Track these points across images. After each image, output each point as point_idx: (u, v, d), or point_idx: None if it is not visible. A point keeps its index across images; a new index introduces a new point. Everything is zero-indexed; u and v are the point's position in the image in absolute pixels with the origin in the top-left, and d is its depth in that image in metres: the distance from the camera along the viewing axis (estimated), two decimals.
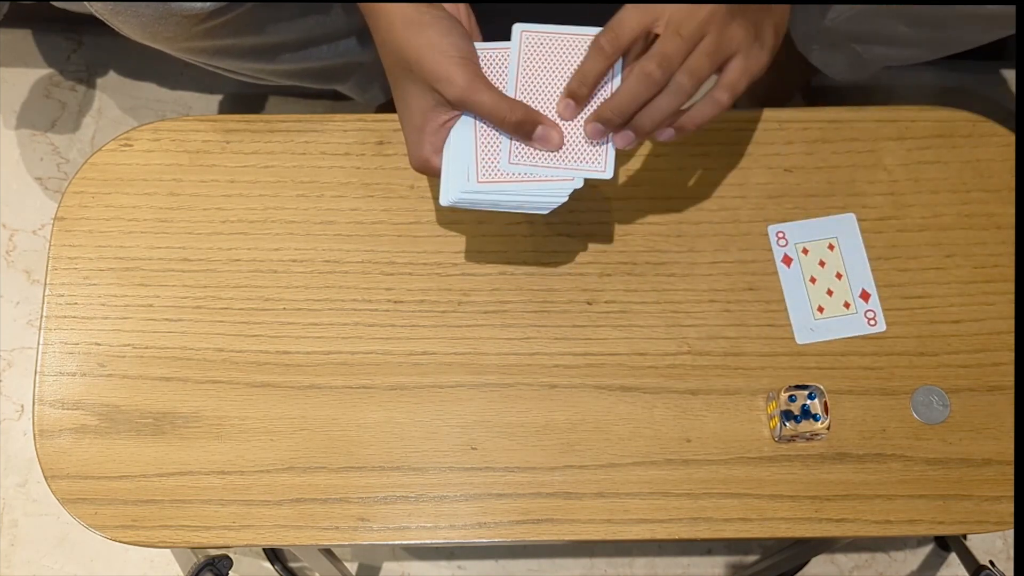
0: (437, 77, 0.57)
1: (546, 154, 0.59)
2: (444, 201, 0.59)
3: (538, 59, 0.60)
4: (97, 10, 0.71)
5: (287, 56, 0.88)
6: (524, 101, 0.59)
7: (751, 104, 1.13)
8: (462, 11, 0.61)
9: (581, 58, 0.58)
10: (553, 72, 0.60)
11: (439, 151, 0.60)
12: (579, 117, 0.60)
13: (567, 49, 0.60)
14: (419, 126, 0.59)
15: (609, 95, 0.58)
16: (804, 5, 0.94)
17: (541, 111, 0.59)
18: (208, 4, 0.70)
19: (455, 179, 0.59)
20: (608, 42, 0.56)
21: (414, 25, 0.57)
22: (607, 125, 0.58)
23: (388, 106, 1.03)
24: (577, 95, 0.59)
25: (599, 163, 0.59)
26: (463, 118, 0.59)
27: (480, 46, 0.60)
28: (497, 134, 0.59)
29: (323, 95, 1.18)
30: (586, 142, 0.60)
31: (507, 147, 0.59)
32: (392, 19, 0.57)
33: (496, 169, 0.59)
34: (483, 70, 0.59)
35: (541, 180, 0.59)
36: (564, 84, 0.59)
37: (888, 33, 0.85)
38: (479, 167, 0.59)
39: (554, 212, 0.71)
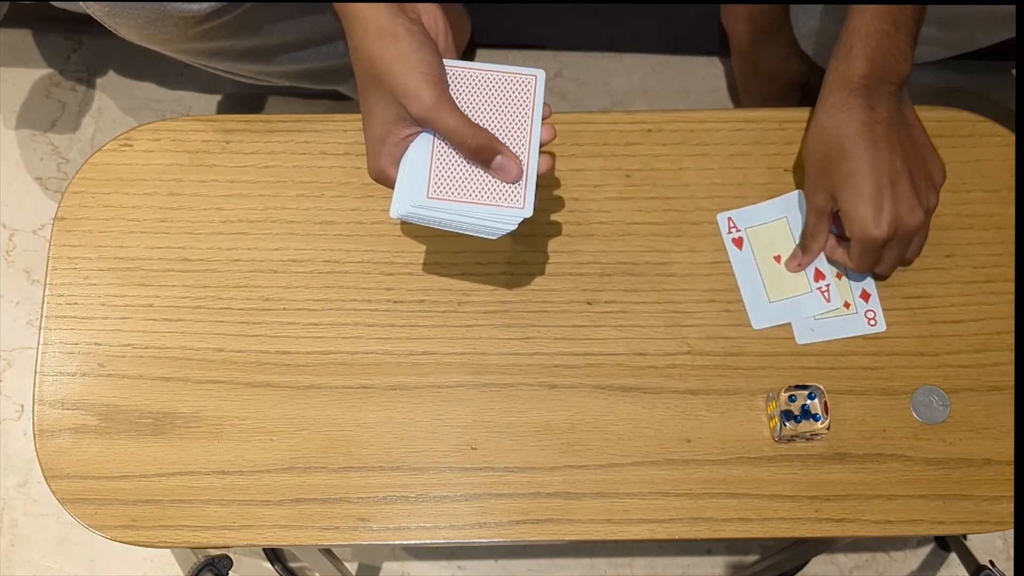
0: (404, 92, 0.57)
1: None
2: (394, 213, 0.60)
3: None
4: (93, 11, 0.71)
5: (285, 57, 0.88)
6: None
7: (751, 104, 1.13)
8: (440, 26, 0.61)
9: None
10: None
11: (396, 163, 0.60)
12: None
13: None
14: (380, 137, 0.60)
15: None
16: (804, 5, 0.94)
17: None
18: (204, 5, 0.70)
19: (407, 193, 0.60)
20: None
21: (387, 37, 0.57)
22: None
23: None
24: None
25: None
26: (423, 134, 0.60)
27: (449, 63, 0.60)
28: (453, 155, 0.60)
29: (323, 95, 1.18)
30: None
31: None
32: (366, 27, 0.57)
33: (448, 188, 0.60)
34: (450, 88, 0.59)
35: (490, 204, 0.59)
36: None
37: None
38: (431, 183, 0.59)
39: (555, 212, 0.71)
